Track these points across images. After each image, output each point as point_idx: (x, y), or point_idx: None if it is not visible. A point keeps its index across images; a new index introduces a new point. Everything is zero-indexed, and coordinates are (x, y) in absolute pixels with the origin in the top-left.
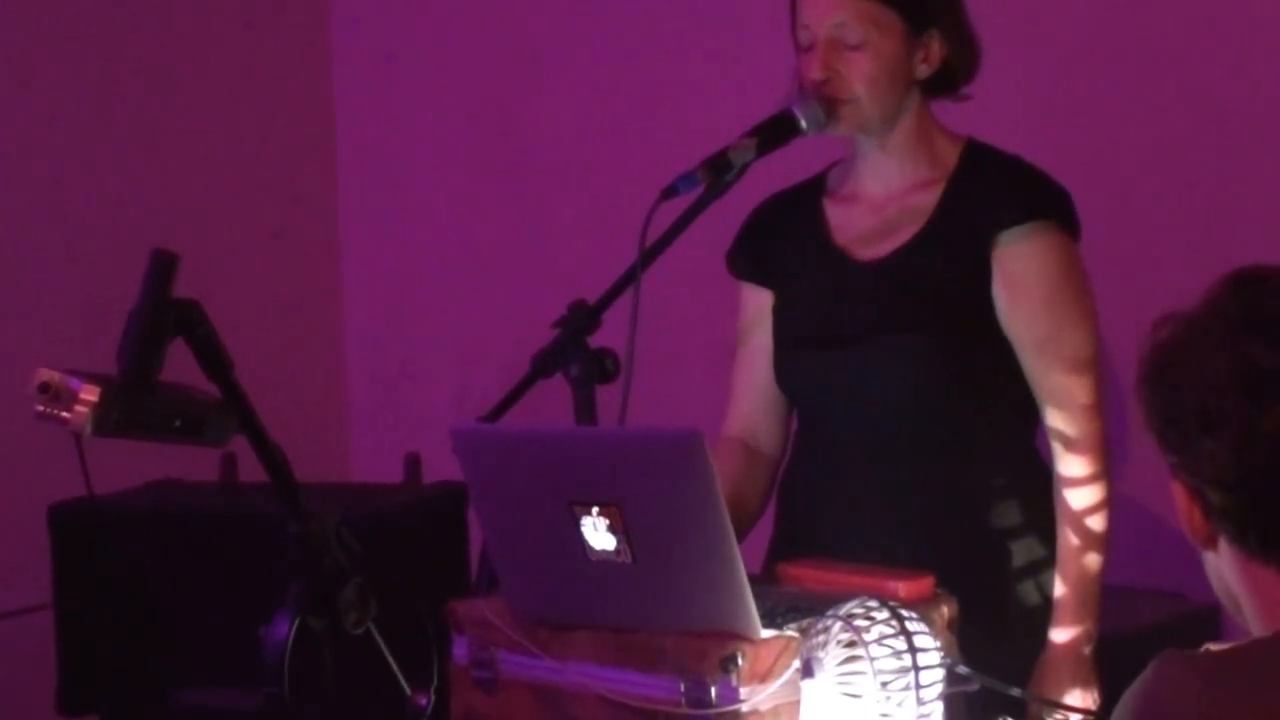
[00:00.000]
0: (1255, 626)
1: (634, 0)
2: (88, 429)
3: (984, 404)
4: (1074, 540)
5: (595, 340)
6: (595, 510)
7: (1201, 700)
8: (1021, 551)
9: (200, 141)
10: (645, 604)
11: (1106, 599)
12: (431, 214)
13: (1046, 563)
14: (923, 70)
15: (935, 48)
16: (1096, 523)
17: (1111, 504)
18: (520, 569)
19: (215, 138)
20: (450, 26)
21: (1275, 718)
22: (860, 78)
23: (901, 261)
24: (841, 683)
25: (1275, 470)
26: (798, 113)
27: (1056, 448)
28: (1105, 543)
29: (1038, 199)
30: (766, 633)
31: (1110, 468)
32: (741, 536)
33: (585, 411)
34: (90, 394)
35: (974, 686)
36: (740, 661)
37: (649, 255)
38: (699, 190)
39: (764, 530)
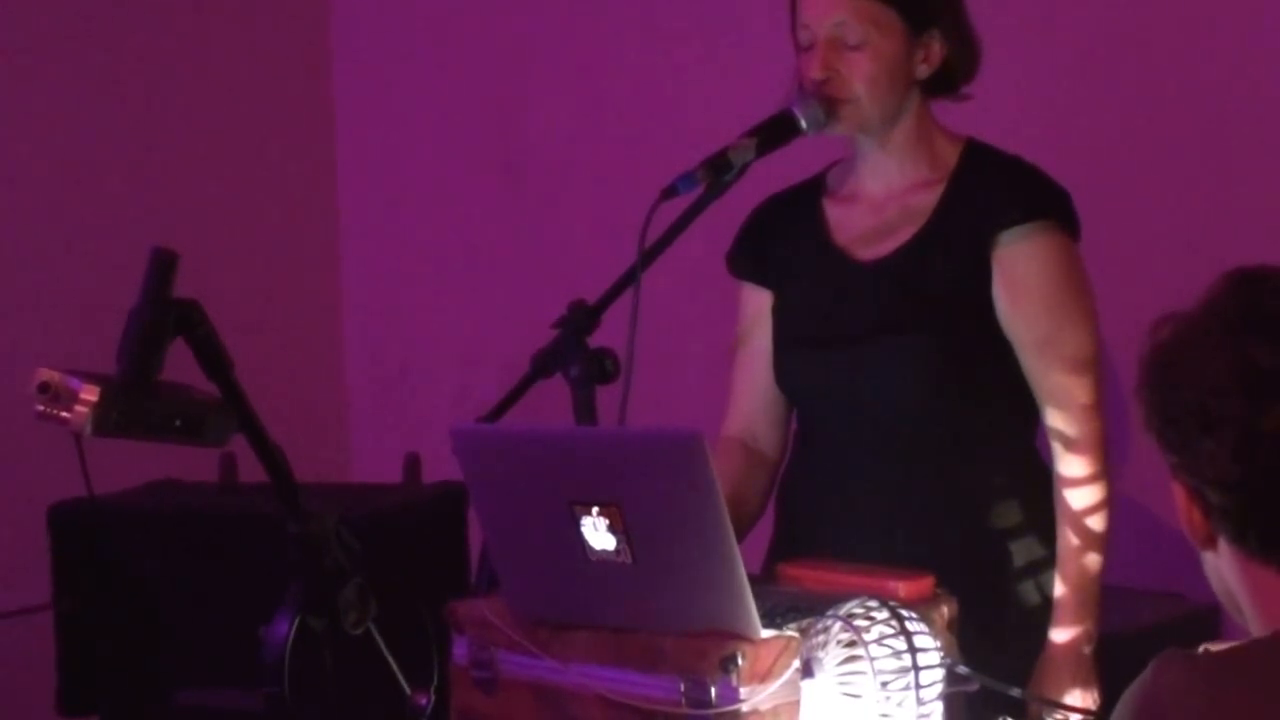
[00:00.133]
0: (1255, 626)
1: (633, 0)
2: (88, 429)
3: (984, 404)
4: (1074, 540)
5: (595, 340)
6: (595, 510)
7: (1201, 700)
8: (1021, 551)
9: (200, 141)
10: (645, 604)
11: (1106, 599)
12: (431, 214)
13: (1046, 563)
14: (923, 70)
15: (935, 48)
16: (1096, 523)
17: (1111, 504)
18: (520, 569)
19: (215, 138)
20: (450, 26)
21: (1275, 718)
22: (860, 77)
23: (901, 261)
24: (841, 683)
25: (1275, 470)
26: (798, 113)
27: (1056, 448)
28: (1105, 543)
29: (1038, 199)
30: (766, 633)
31: (1110, 468)
32: (741, 536)
33: (585, 411)
34: (90, 394)
35: (974, 686)
36: (740, 661)
37: (649, 255)
38: (699, 190)
39: (764, 530)
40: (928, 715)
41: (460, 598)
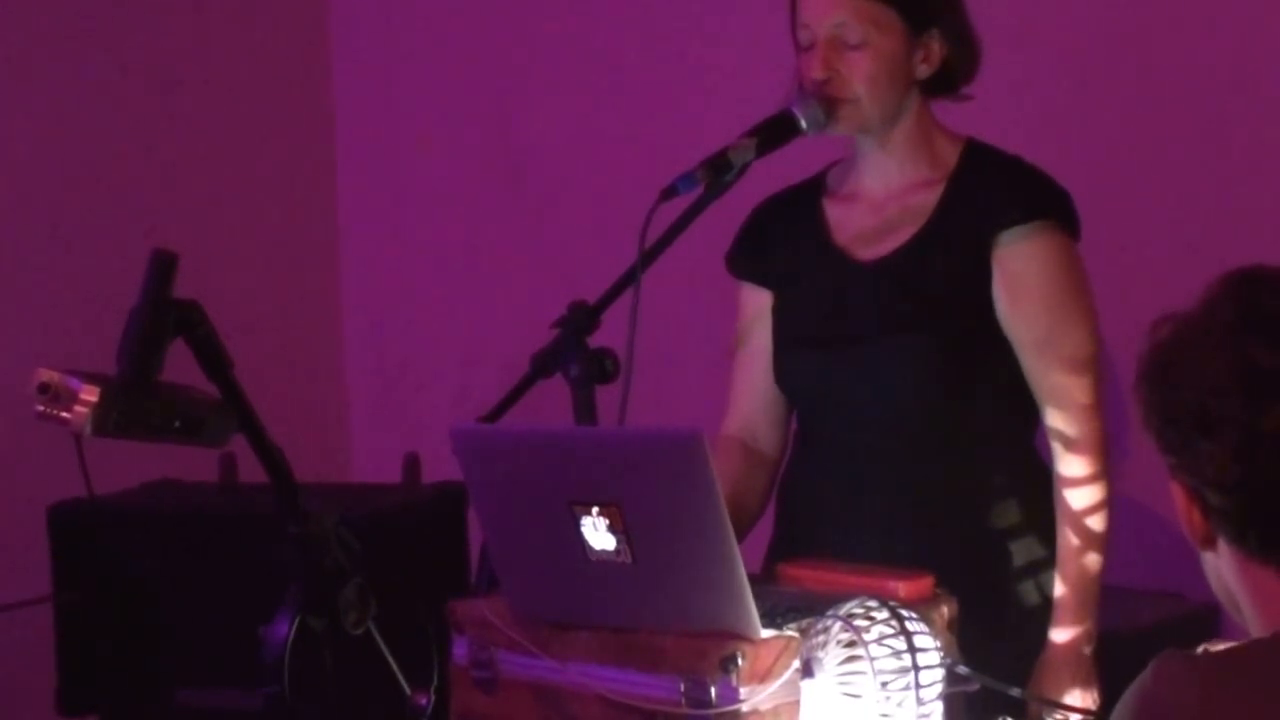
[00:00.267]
0: (1254, 627)
1: (634, 1)
2: (87, 429)
3: (984, 404)
4: (1074, 540)
5: (595, 340)
6: (595, 510)
7: (1201, 700)
8: (1021, 551)
9: (200, 141)
10: (645, 604)
11: (1106, 599)
12: (431, 214)
13: (1046, 563)
14: (923, 70)
15: (935, 48)
16: (1096, 523)
17: (1111, 504)
18: (520, 569)
19: (215, 138)
20: (450, 26)
21: (1275, 718)
22: (860, 77)
23: (901, 261)
24: (841, 683)
25: (1275, 471)
26: (798, 113)
27: (1056, 448)
28: (1105, 543)
29: (1038, 199)
30: (766, 633)
31: (1110, 468)
32: (741, 536)
33: (585, 411)
34: (90, 394)
35: (974, 686)
36: (740, 661)
37: (649, 256)
38: (698, 190)
39: (764, 530)
40: (928, 715)
41: (460, 598)
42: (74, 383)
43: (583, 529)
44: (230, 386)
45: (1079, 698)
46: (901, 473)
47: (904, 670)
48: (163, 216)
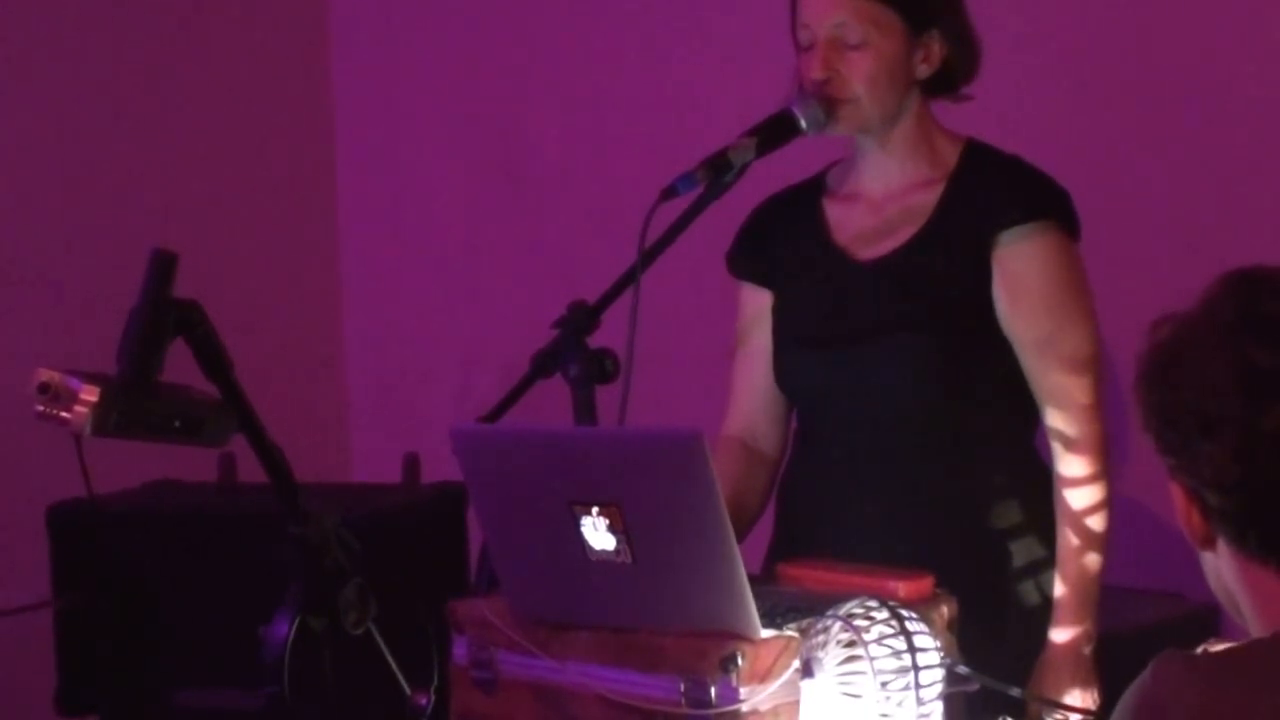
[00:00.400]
0: (1254, 627)
1: (633, 0)
2: (87, 429)
3: (984, 404)
4: (1074, 540)
5: (595, 340)
6: (595, 510)
7: (1201, 700)
8: (1021, 551)
9: (200, 141)
10: (645, 604)
11: (1106, 599)
12: (431, 214)
13: (1046, 563)
14: (923, 70)
15: (935, 48)
16: (1096, 523)
17: (1111, 504)
18: (520, 569)
19: (215, 138)
20: (450, 27)
21: (1275, 718)
22: (860, 78)
23: (901, 261)
24: (841, 683)
25: (1275, 471)
26: (798, 113)
27: (1056, 448)
28: (1105, 543)
29: (1038, 199)
30: (766, 633)
31: (1110, 468)
32: (741, 536)
33: (585, 411)
34: (90, 394)
35: (974, 686)
36: (740, 661)
37: (648, 256)
38: (698, 190)
39: (764, 530)
40: (928, 715)
41: (460, 598)
42: (74, 383)
43: (583, 529)
44: (230, 386)
45: (1079, 698)
46: (901, 473)
47: (904, 670)
48: (163, 216)
